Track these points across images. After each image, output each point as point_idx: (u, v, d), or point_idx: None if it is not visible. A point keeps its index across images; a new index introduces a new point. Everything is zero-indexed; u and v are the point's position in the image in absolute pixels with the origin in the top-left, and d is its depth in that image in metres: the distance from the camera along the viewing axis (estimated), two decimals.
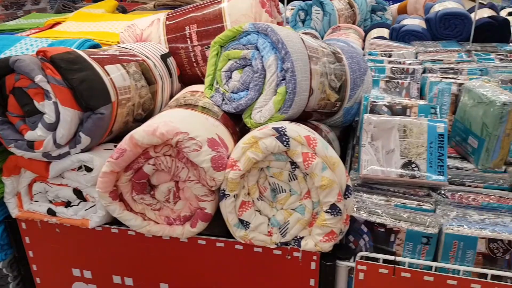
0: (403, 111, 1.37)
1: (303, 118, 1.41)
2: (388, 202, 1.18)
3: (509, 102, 1.24)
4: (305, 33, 2.62)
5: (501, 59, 1.84)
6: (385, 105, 1.38)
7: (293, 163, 1.09)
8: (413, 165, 1.21)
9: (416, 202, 1.17)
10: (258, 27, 1.26)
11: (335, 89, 1.44)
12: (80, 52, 1.21)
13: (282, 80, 1.21)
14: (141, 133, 1.06)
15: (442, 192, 1.22)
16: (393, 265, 1.07)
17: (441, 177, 1.19)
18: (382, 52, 2.01)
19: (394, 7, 3.22)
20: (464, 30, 2.14)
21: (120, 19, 1.98)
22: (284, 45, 1.20)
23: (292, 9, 3.10)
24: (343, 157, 1.56)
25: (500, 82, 1.56)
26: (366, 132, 1.27)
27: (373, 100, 1.40)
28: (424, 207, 1.15)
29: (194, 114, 1.19)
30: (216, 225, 1.19)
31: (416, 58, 1.95)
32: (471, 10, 2.40)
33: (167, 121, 1.07)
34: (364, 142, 1.26)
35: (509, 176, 1.29)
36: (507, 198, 1.19)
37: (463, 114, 1.42)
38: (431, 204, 1.16)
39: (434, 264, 1.06)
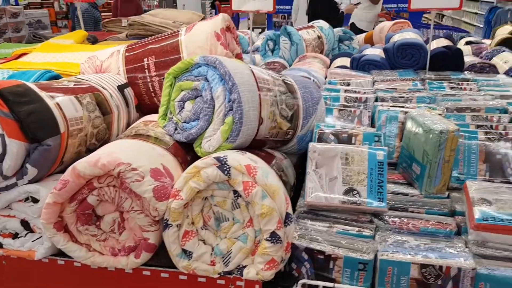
0: (348, 139, 1.42)
1: (256, 146, 1.45)
2: (331, 228, 1.21)
3: (446, 130, 1.30)
4: (273, 62, 2.71)
5: (451, 87, 1.93)
6: (332, 134, 1.43)
7: (235, 191, 1.12)
8: (355, 192, 1.25)
9: (357, 228, 1.20)
10: (208, 60, 1.31)
11: (287, 118, 1.49)
12: (30, 85, 1.24)
13: (230, 110, 1.26)
14: (83, 164, 1.08)
15: (384, 217, 1.25)
16: None
17: (381, 204, 1.23)
18: (341, 81, 2.09)
19: (361, 36, 3.35)
20: (420, 60, 2.24)
21: (86, 49, 2.03)
22: (231, 77, 1.26)
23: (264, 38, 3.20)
24: (299, 184, 1.60)
25: (445, 110, 1.64)
26: (311, 160, 1.31)
27: (320, 129, 1.45)
28: (364, 233, 1.19)
29: (141, 144, 1.22)
30: (164, 255, 1.20)
31: (373, 86, 2.03)
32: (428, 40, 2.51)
33: (110, 152, 1.10)
34: (309, 169, 1.30)
35: (450, 201, 1.34)
36: (445, 223, 1.24)
37: (408, 142, 1.48)
38: (371, 230, 1.20)
39: None
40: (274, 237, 1.08)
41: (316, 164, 1.30)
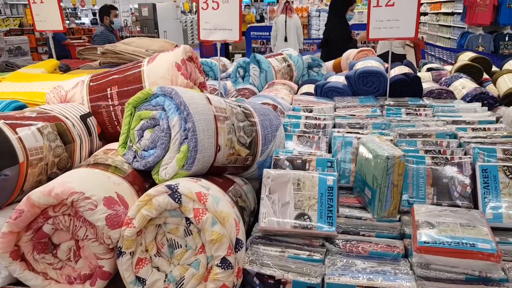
0: (303, 165, 1.48)
1: (215, 172, 1.50)
2: (283, 253, 1.25)
3: (392, 156, 1.37)
4: (243, 89, 2.78)
5: (407, 113, 2.03)
6: (287, 160, 1.49)
7: (187, 218, 1.16)
8: (306, 217, 1.29)
9: (307, 253, 1.24)
10: (165, 90, 1.37)
11: (245, 145, 1.54)
12: None
13: (185, 138, 1.31)
14: (37, 194, 1.11)
15: (335, 241, 1.30)
16: None
17: (330, 228, 1.28)
18: (305, 108, 2.17)
19: (330, 63, 3.47)
20: (380, 86, 2.34)
21: (55, 79, 2.07)
22: (186, 107, 1.31)
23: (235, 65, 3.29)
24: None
25: (398, 136, 1.72)
26: (265, 185, 1.36)
27: (276, 155, 1.51)
28: (314, 257, 1.23)
29: (96, 173, 1.26)
30: (120, 283, 1.21)
31: (335, 112, 2.11)
32: (392, 67, 2.64)
33: (64, 182, 1.13)
34: (263, 195, 1.35)
35: (400, 224, 1.40)
36: (394, 246, 1.29)
37: (360, 167, 1.54)
38: (321, 254, 1.24)
39: None
40: (224, 263, 1.12)
41: (269, 189, 1.35)
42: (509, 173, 1.38)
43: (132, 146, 1.43)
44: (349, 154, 1.64)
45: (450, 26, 11.89)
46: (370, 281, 1.11)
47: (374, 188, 1.42)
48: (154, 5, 15.32)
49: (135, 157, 1.40)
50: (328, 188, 1.33)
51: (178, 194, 1.13)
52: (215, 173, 1.50)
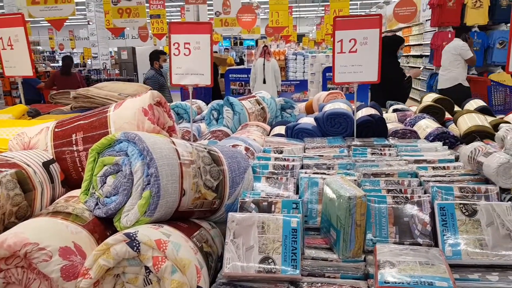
0: (268, 207, 1.49)
1: (181, 217, 1.49)
2: None
3: (354, 196, 1.40)
4: (217, 131, 2.82)
5: (372, 153, 2.09)
6: (253, 202, 1.50)
7: (147, 267, 1.13)
8: (270, 260, 1.29)
9: None
10: (128, 136, 1.38)
11: (212, 188, 1.55)
12: None
13: (148, 184, 1.31)
14: None
15: (300, 284, 1.29)
16: None
17: (295, 271, 1.27)
18: (275, 149, 2.20)
19: (302, 105, 3.58)
20: (348, 127, 2.42)
21: (20, 125, 2.06)
22: (149, 152, 1.32)
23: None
24: None
25: (362, 176, 1.76)
26: (229, 230, 1.35)
27: (242, 198, 1.52)
28: None
29: (53, 223, 1.23)
30: None
31: (304, 153, 2.15)
32: (359, 108, 2.74)
33: (18, 232, 1.10)
34: (227, 240, 1.34)
35: (364, 265, 1.40)
36: (357, 287, 1.28)
37: (325, 207, 1.56)
38: None
39: None
40: None
41: (234, 233, 1.34)
42: (465, 211, 1.42)
43: (95, 193, 1.42)
44: (315, 194, 1.66)
45: (419, 67, 12.50)
46: None
47: (338, 228, 1.44)
48: (133, 49, 15.60)
49: (97, 204, 1.38)
50: (292, 230, 1.34)
51: (137, 242, 1.11)
52: (180, 218, 1.49)
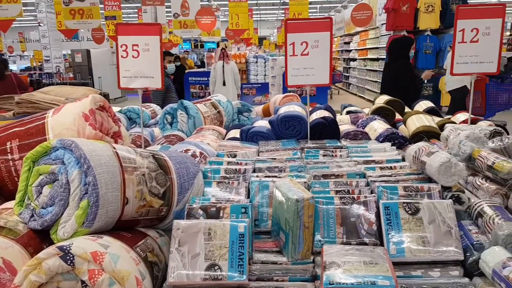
0: (217, 213, 1.47)
1: (125, 226, 1.43)
2: None
3: (302, 199, 1.41)
4: (171, 135, 2.76)
5: (324, 155, 2.12)
6: (201, 208, 1.47)
7: (83, 281, 1.07)
8: (216, 267, 1.26)
9: None
10: (64, 143, 1.31)
11: (158, 195, 1.50)
12: None
13: (85, 193, 1.25)
14: None
15: None
16: None
17: (241, 277, 1.25)
18: (229, 153, 2.18)
19: (260, 108, 3.58)
20: (301, 130, 2.45)
21: None
22: (86, 159, 1.26)
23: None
24: None
25: (312, 178, 1.77)
26: (174, 238, 1.31)
27: (190, 204, 1.48)
28: None
29: None
30: None
31: (258, 156, 2.15)
32: (313, 111, 2.77)
33: None
34: (172, 248, 1.30)
35: (312, 266, 1.41)
36: None
37: (275, 210, 1.56)
38: None
39: None
40: None
41: (179, 241, 1.31)
42: (408, 209, 1.46)
43: (30, 204, 1.33)
44: (266, 198, 1.65)
45: (376, 71, 12.95)
46: None
47: (287, 231, 1.44)
48: (88, 51, 15.04)
49: (32, 215, 1.30)
50: (239, 236, 1.32)
51: (71, 256, 1.05)
52: (125, 227, 1.43)
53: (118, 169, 1.34)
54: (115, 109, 3.74)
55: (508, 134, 2.19)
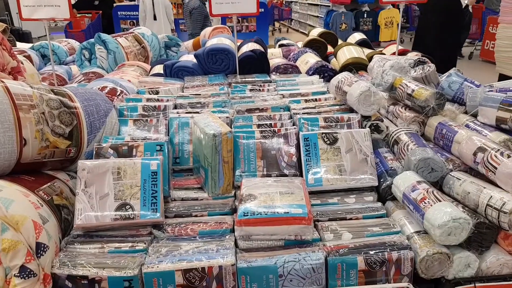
0: (129, 152, 1.38)
1: (28, 169, 1.31)
2: (103, 249, 1.15)
3: (219, 133, 1.36)
4: (89, 73, 2.53)
5: (251, 90, 2.06)
6: (111, 148, 1.37)
7: None
8: (127, 207, 1.20)
9: (130, 244, 1.16)
10: None
11: (64, 135, 1.37)
12: None
13: None
14: None
15: (164, 227, 1.24)
16: None
17: (155, 214, 1.21)
18: (150, 90, 2.05)
19: (189, 43, 3.38)
20: (230, 64, 2.34)
21: None
22: None
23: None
24: None
25: (236, 112, 1.72)
26: (80, 179, 1.23)
27: (98, 143, 1.38)
28: (137, 247, 1.15)
29: None
30: None
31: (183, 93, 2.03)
32: (242, 44, 2.65)
33: None
34: (78, 190, 1.21)
35: (233, 200, 1.40)
36: (222, 223, 1.28)
37: (195, 147, 1.50)
38: (145, 243, 1.17)
39: None
40: (24, 272, 0.97)
41: (85, 183, 1.22)
42: (326, 140, 1.47)
43: None
44: (186, 135, 1.59)
45: (317, 5, 12.71)
46: (189, 263, 1.07)
47: (206, 167, 1.40)
48: None
49: None
50: (152, 174, 1.26)
51: None
52: (28, 171, 1.31)
53: (9, 107, 1.19)
54: (27, 45, 3.35)
55: None
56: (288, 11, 16.18)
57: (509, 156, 1.22)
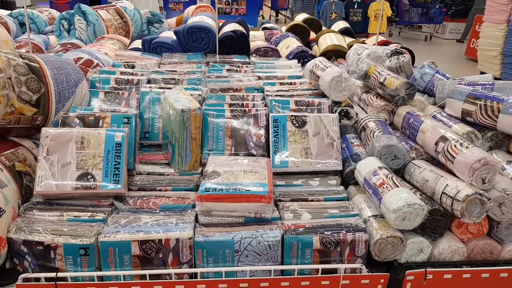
0: (96, 122, 1.37)
1: None
2: (61, 217, 1.15)
3: (188, 109, 1.36)
4: (67, 43, 2.48)
5: (228, 70, 2.05)
6: (77, 117, 1.36)
7: None
8: (89, 176, 1.20)
9: (89, 214, 1.17)
10: None
11: (30, 102, 1.35)
12: None
13: None
14: None
15: (126, 199, 1.25)
16: (54, 282, 1.04)
17: (117, 186, 1.21)
18: (126, 63, 2.02)
19: (173, 20, 3.33)
20: (210, 43, 2.32)
21: None
22: None
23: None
24: None
25: (209, 91, 1.72)
26: (42, 146, 1.22)
27: (65, 112, 1.36)
28: (96, 217, 1.16)
29: None
30: None
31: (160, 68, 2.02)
32: (224, 24, 2.63)
33: None
34: (40, 157, 1.21)
35: (199, 177, 1.41)
36: (185, 198, 1.29)
37: (164, 122, 1.50)
38: (105, 214, 1.17)
39: (95, 273, 1.06)
40: None
41: (48, 150, 1.21)
42: (295, 122, 1.49)
43: None
44: (158, 110, 1.58)
45: None
46: (146, 235, 1.09)
47: (173, 143, 1.40)
48: None
49: None
50: (116, 145, 1.25)
51: None
52: None
53: None
54: (5, 12, 3.25)
55: None
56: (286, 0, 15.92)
57: (467, 147, 1.26)
